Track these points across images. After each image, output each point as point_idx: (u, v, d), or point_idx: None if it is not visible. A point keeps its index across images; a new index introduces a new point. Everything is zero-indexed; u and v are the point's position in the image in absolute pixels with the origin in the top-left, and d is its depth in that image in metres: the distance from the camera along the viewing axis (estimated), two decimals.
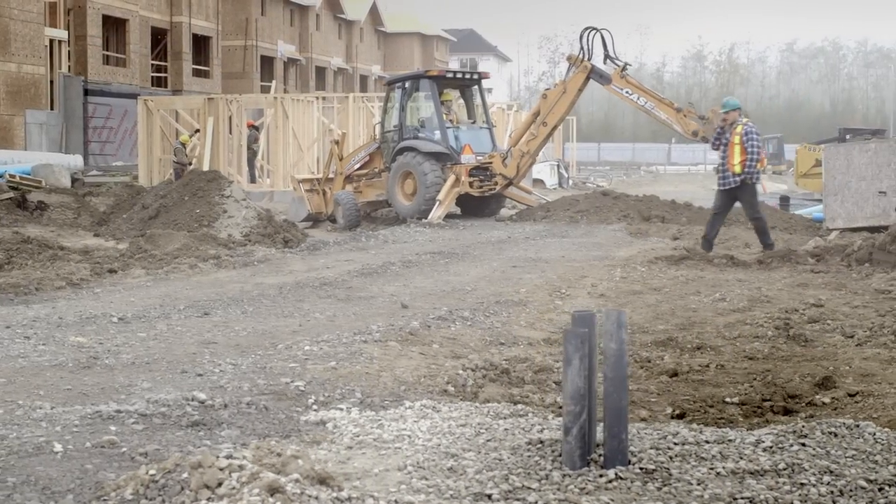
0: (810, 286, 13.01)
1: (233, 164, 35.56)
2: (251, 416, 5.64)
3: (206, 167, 34.60)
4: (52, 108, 42.47)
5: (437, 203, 23.66)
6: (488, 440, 5.13)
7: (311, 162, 35.88)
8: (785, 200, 28.79)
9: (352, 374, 6.76)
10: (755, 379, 7.76)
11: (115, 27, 50.37)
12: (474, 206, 25.23)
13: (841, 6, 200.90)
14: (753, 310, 11.03)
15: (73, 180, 31.04)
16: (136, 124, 48.48)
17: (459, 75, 26.01)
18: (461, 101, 26.26)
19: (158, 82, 54.96)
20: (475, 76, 25.91)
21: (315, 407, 5.96)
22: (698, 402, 7.11)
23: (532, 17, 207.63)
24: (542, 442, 4.96)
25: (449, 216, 24.18)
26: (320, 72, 74.28)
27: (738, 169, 16.16)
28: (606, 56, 23.09)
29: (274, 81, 53.28)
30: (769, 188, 43.68)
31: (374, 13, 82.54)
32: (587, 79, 23.30)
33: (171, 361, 7.16)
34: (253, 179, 36.86)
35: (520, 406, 6.05)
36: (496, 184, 24.43)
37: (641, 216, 23.37)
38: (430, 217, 23.29)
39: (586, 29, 23.25)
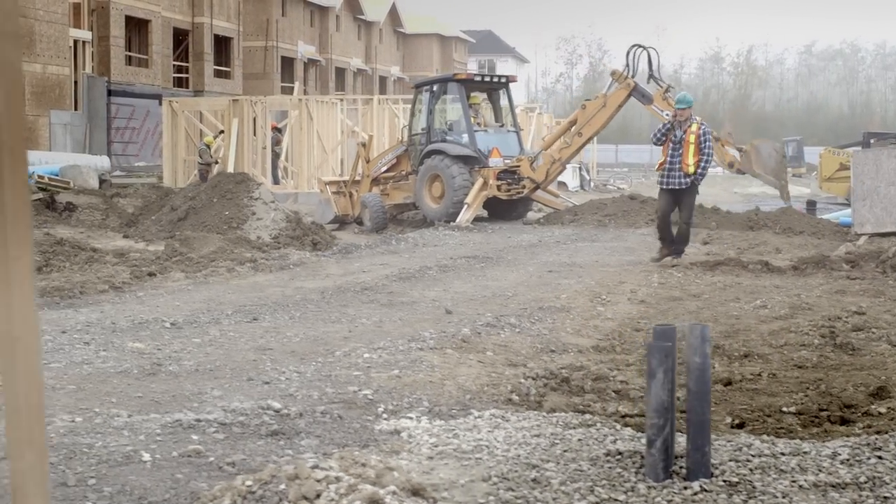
0: (848, 293, 13.03)
1: (257, 166, 35.69)
2: (327, 425, 5.70)
3: (230, 168, 34.79)
4: (75, 109, 42.66)
5: (466, 206, 23.71)
6: (565, 451, 5.19)
7: (335, 164, 36.01)
8: (811, 205, 28.76)
9: (416, 382, 6.82)
10: (808, 388, 7.79)
11: (137, 28, 50.57)
12: (501, 210, 25.27)
13: (859, 8, 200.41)
14: (796, 317, 11.06)
15: (101, 181, 31.18)
16: (158, 125, 48.83)
17: (487, 78, 26.07)
18: (488, 103, 26.33)
19: (179, 83, 55.14)
20: (503, 79, 25.97)
21: (385, 416, 6.02)
22: (756, 411, 7.14)
23: (549, 18, 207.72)
24: (620, 453, 5.02)
25: (476, 219, 24.22)
26: (340, 73, 74.42)
27: (691, 169, 15.64)
28: (651, 76, 23.04)
29: (297, 83, 53.36)
30: (792, 192, 43.68)
31: (393, 14, 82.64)
32: (629, 96, 23.23)
33: (233, 368, 7.23)
34: (276, 181, 36.96)
35: (587, 416, 6.10)
36: (524, 187, 24.48)
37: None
38: (458, 220, 23.34)
39: (633, 46, 23.17)
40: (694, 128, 15.59)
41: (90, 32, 45.09)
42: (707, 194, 31.35)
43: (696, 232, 21.52)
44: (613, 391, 7.10)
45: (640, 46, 23.05)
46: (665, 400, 4.65)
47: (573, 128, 24.16)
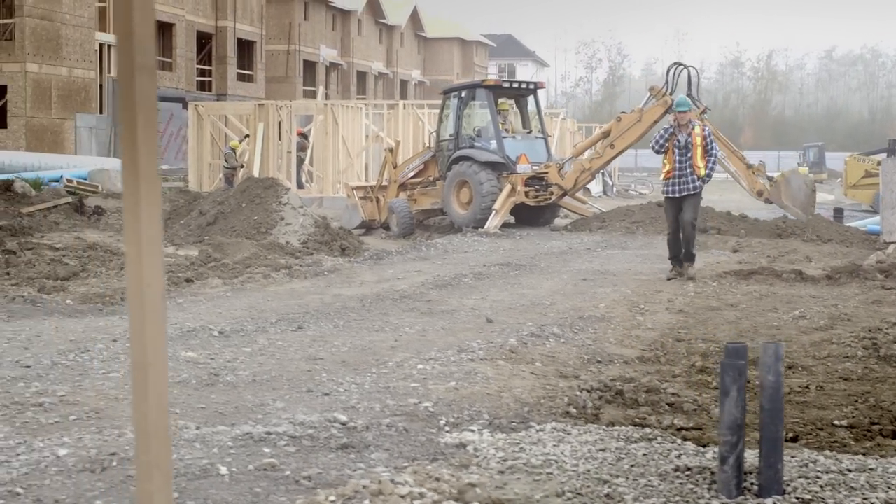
0: (885, 304, 13.03)
1: (281, 170, 35.81)
2: (393, 438, 5.76)
3: (255, 172, 34.92)
4: (100, 112, 42.90)
5: (494, 212, 23.75)
6: (632, 465, 5.24)
7: (360, 169, 36.11)
8: (839, 212, 28.74)
9: (473, 394, 6.88)
10: (857, 401, 7.81)
11: (160, 31, 50.80)
12: (528, 215, 25.31)
13: (881, 9, 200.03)
14: (835, 328, 11.08)
15: None
16: (181, 128, 49.05)
17: (516, 85, 26.13)
18: (516, 110, 26.39)
19: (202, 86, 55.37)
20: (531, 86, 26.02)
21: (447, 428, 6.08)
22: (808, 424, 7.18)
23: (569, 22, 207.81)
24: (689, 469, 5.07)
25: (504, 225, 24.28)
26: (361, 76, 74.60)
27: (703, 171, 15.18)
28: (689, 95, 22.98)
29: (321, 87, 53.48)
30: (817, 198, 43.62)
31: (414, 18, 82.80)
32: (665, 112, 23.13)
33: (290, 379, 7.29)
34: (301, 185, 37.08)
35: (646, 430, 6.14)
36: (552, 194, 24.51)
37: (698, 227, 23.41)
38: (486, 226, 23.38)
39: (674, 64, 23.13)
40: (697, 129, 15.25)
41: (115, 36, 45.29)
42: (730, 200, 31.40)
43: (726, 239, 21.57)
44: (667, 404, 7.14)
45: (680, 65, 23.00)
46: (738, 417, 4.71)
47: (606, 139, 24.17)
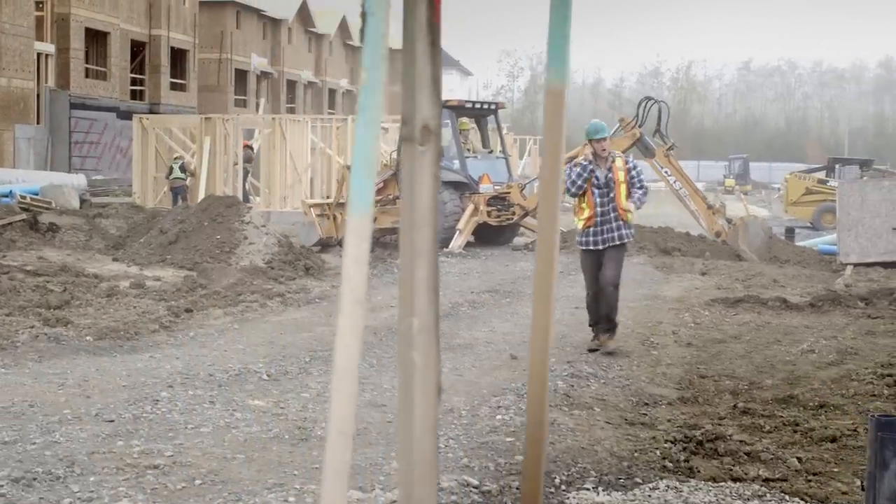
0: (878, 334, 13.46)
1: (228, 184, 35.63)
2: None
3: (201, 187, 34.73)
4: (38, 123, 42.29)
5: (458, 232, 23.92)
6: None
7: (306, 184, 36.01)
8: (790, 232, 29.35)
9: (570, 449, 7.03)
10: None
11: (95, 40, 50.20)
12: (488, 235, 25.49)
13: (796, 30, 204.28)
14: (846, 363, 11.41)
15: (82, 201, 30.96)
16: (116, 138, 48.53)
17: (478, 105, 26.32)
18: (476, 130, 26.59)
19: (135, 95, 54.78)
20: (492, 106, 26.24)
21: (563, 487, 6.22)
22: None
23: (492, 31, 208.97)
24: None
25: (465, 244, 24.45)
26: (291, 85, 74.33)
27: (631, 216, 12.18)
28: (657, 130, 23.28)
29: (262, 99, 53.24)
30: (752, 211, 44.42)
31: (343, 27, 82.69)
32: (632, 145, 23.27)
33: (378, 433, 7.36)
34: (246, 199, 36.89)
35: (755, 486, 6.34)
36: (514, 214, 24.73)
37: (658, 248, 23.77)
38: (451, 246, 23.53)
39: (646, 98, 23.41)
40: (619, 163, 12.11)
41: (53, 45, 44.70)
42: (669, 214, 31.58)
43: (691, 262, 21.89)
44: (744, 453, 7.34)
45: (651, 99, 23.30)
46: None
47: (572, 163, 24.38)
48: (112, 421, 7.44)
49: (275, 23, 70.78)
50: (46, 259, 21.32)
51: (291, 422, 7.60)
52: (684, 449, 7.27)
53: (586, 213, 12.02)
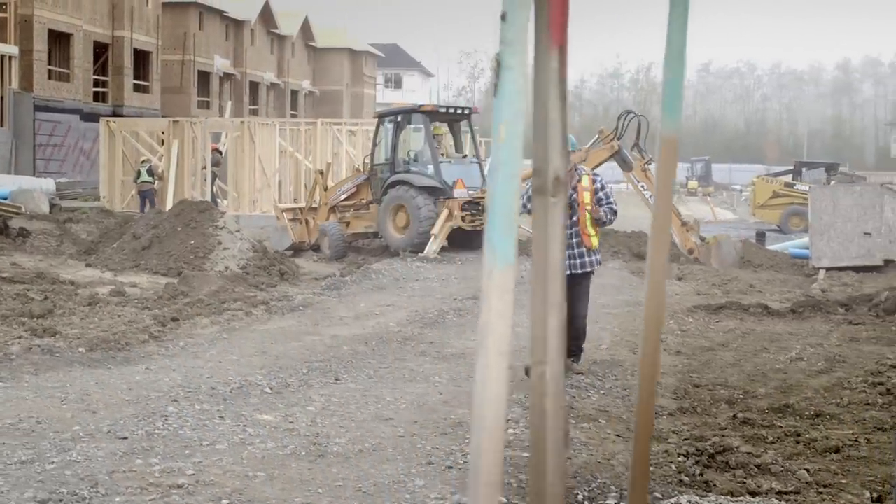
0: (861, 341, 13.64)
1: (196, 188, 35.50)
2: None
3: (170, 190, 34.57)
4: (1, 126, 41.91)
5: (433, 237, 23.93)
6: None
7: (275, 187, 35.94)
8: (761, 236, 29.60)
9: (587, 463, 7.07)
10: None
11: (58, 42, 49.79)
12: (461, 240, 25.49)
13: (754, 33, 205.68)
14: (836, 370, 11.56)
15: (51, 206, 30.73)
16: (79, 140, 48.18)
17: (452, 110, 26.34)
18: (448, 134, 26.62)
19: (97, 97, 54.37)
20: (466, 111, 26.28)
21: (586, 503, 6.27)
22: (884, 483, 7.52)
23: (451, 32, 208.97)
24: None
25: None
26: (254, 87, 74.06)
27: (595, 241, 10.84)
28: (636, 144, 23.33)
29: (230, 102, 53.03)
30: (719, 216, 44.84)
31: (305, 28, 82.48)
32: (611, 157, 23.33)
33: (394, 448, 7.37)
34: (214, 203, 36.75)
35: (774, 501, 6.42)
36: None
37: (632, 253, 23.96)
38: (426, 251, 23.55)
39: (627, 112, 23.48)
40: (585, 182, 10.82)
41: (16, 47, 44.30)
42: (637, 216, 31.81)
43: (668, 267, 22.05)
44: (755, 466, 7.42)
45: (631, 112, 23.39)
46: None
47: None
48: (126, 438, 7.42)
49: (237, 24, 70.51)
50: (20, 265, 21.16)
51: (304, 437, 7.60)
52: (697, 462, 7.34)
53: None
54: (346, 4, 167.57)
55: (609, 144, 22.97)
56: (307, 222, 26.69)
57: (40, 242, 25.60)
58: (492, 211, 2.22)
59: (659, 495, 6.48)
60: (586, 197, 10.67)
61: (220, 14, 67.39)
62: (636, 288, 18.92)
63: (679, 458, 7.35)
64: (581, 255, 10.70)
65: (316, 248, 26.19)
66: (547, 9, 2.21)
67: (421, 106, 26.16)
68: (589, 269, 10.82)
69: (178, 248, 21.57)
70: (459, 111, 26.32)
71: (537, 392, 2.38)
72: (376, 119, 26.89)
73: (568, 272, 10.16)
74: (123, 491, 6.18)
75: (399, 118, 25.41)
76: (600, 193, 10.81)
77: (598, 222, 10.79)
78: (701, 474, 7.13)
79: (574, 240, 10.59)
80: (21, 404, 8.63)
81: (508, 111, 2.18)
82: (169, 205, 31.71)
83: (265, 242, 25.00)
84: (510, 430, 7.93)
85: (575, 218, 10.59)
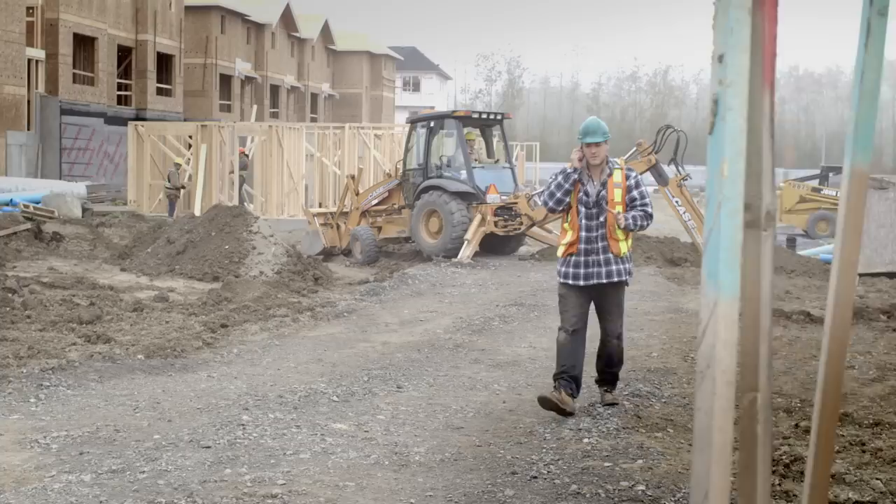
0: None
1: (223, 191, 35.65)
2: None
3: (198, 194, 34.73)
4: (29, 129, 42.13)
5: (466, 242, 24.01)
6: None
7: (302, 191, 36.09)
8: (792, 241, 29.59)
9: (669, 473, 7.13)
10: None
11: (82, 45, 50.04)
12: (494, 244, 25.56)
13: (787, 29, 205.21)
14: (888, 379, 11.59)
15: (83, 210, 30.90)
16: (102, 143, 48.39)
17: (485, 115, 26.40)
18: (481, 139, 26.71)
19: (121, 101, 54.64)
20: (499, 116, 26.35)
21: None
22: None
23: (469, 35, 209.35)
24: None
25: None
26: (274, 90, 74.30)
27: (624, 248, 9.38)
28: (673, 159, 23.22)
29: (255, 106, 53.18)
30: None
31: (325, 32, 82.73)
32: (647, 170, 23.19)
33: (475, 458, 7.45)
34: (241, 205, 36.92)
35: None
36: (521, 224, 24.84)
37: (665, 258, 23.95)
38: (459, 256, 23.62)
39: (667, 126, 23.38)
40: (618, 177, 9.37)
41: (43, 51, 44.55)
42: (667, 220, 31.79)
43: (696, 272, 22.07)
44: (829, 476, 7.46)
45: (671, 127, 23.23)
46: None
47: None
48: (209, 447, 7.51)
49: (258, 27, 70.78)
50: (57, 270, 21.34)
51: (384, 447, 7.68)
52: (773, 472, 7.39)
53: (568, 237, 9.32)
54: (365, 6, 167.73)
55: (646, 158, 22.82)
56: (338, 227, 26.81)
57: (74, 247, 25.74)
58: (716, 245, 2.29)
59: None
60: (617, 195, 9.21)
61: (242, 17, 67.64)
62: (674, 295, 18.95)
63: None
64: (607, 263, 9.18)
65: (347, 253, 26.28)
66: (761, 51, 2.28)
67: (453, 111, 26.25)
68: (616, 280, 9.29)
69: (212, 253, 21.67)
70: (493, 116, 26.38)
71: (748, 417, 2.45)
72: (408, 124, 26.98)
73: (592, 282, 9.19)
74: (219, 501, 6.27)
75: (432, 123, 25.50)
76: (634, 192, 9.33)
77: (625, 229, 9.24)
78: (780, 484, 7.19)
79: (600, 244, 9.15)
80: (94, 412, 8.73)
81: (731, 149, 2.26)
82: (197, 209, 31.92)
83: (297, 246, 25.19)
84: (585, 440, 8.00)
85: (602, 219, 9.17)
